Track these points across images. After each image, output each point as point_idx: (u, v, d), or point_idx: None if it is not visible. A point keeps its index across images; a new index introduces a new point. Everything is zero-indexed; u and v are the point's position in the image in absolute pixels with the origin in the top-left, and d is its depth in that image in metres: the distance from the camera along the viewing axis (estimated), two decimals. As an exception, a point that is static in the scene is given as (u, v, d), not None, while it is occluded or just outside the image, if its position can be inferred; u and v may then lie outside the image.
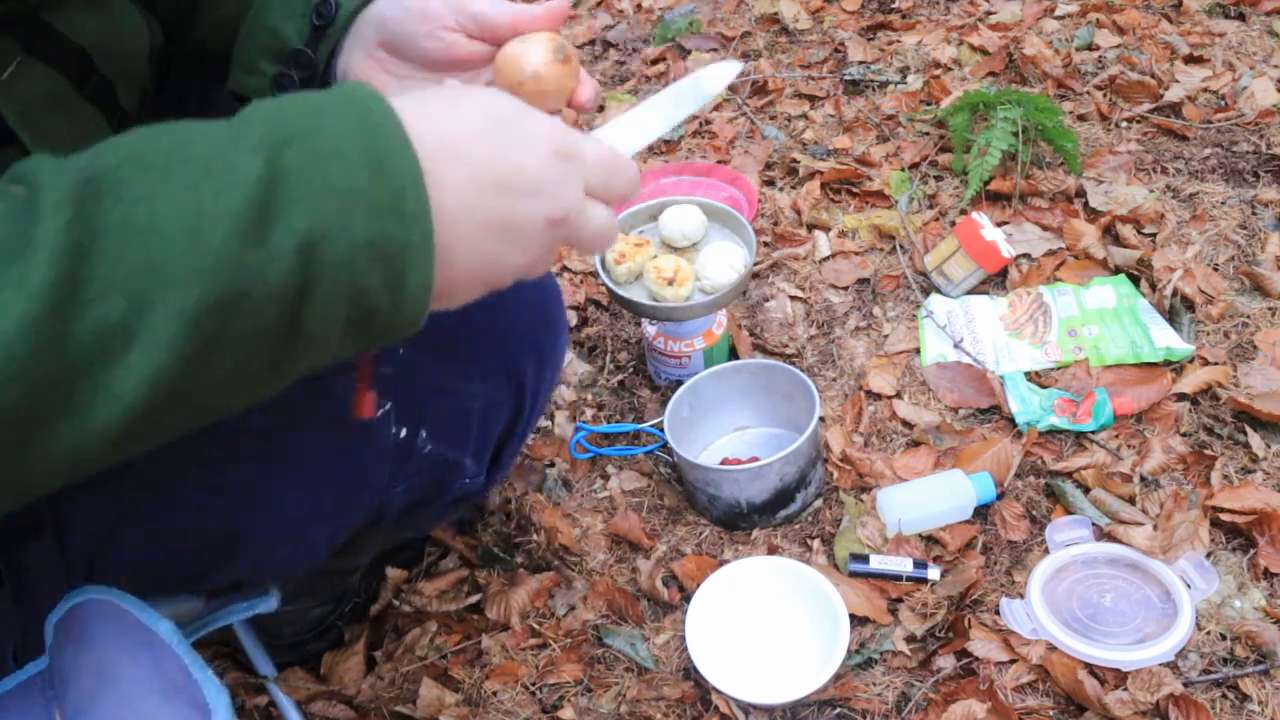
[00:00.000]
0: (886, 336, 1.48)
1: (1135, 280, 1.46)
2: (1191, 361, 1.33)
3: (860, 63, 2.05)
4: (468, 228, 0.50)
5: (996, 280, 1.53)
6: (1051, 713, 1.03)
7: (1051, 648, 1.07)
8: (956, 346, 1.42)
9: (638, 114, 0.63)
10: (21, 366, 0.39)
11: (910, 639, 1.12)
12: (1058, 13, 2.07)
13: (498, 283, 0.53)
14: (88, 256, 0.40)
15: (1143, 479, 1.22)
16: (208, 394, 0.45)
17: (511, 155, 0.51)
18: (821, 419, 1.31)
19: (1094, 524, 1.18)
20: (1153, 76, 1.82)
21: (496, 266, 0.52)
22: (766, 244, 1.67)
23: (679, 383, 1.35)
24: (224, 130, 0.45)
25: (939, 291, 1.53)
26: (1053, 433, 1.30)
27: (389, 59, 0.69)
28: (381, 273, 0.46)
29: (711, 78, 0.65)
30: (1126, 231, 1.54)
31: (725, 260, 1.26)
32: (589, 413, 1.45)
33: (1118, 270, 1.49)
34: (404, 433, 0.77)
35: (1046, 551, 1.17)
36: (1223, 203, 1.57)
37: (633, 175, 0.57)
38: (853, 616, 1.12)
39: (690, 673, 1.12)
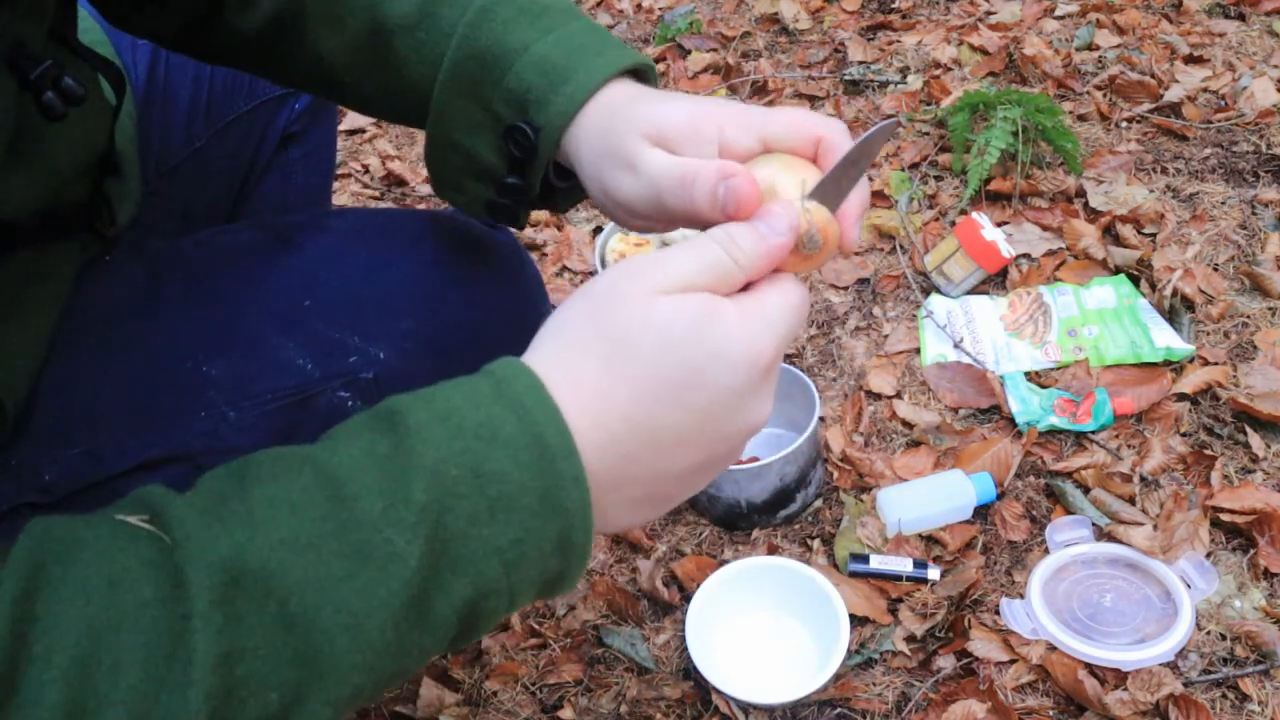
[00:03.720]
0: (886, 336, 1.48)
1: (1135, 280, 1.46)
2: (1191, 361, 1.33)
3: (860, 63, 2.05)
4: (646, 514, 0.47)
5: (996, 280, 1.53)
6: (1051, 713, 1.03)
7: (1051, 648, 1.06)
8: (956, 346, 1.42)
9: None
10: None
11: (910, 639, 1.12)
12: (1058, 13, 2.07)
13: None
14: (241, 659, 0.38)
15: (1143, 479, 1.22)
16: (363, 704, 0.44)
17: (707, 450, 0.46)
18: (821, 419, 1.31)
19: (1094, 524, 1.18)
20: (1153, 76, 1.83)
21: (660, 511, 0.49)
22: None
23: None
24: (379, 489, 0.41)
25: (939, 291, 1.53)
26: (1053, 433, 1.30)
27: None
28: (537, 592, 0.45)
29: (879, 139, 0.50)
30: (1126, 231, 1.54)
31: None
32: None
33: (1118, 270, 1.49)
34: None
35: (1046, 551, 1.17)
36: (1223, 203, 1.57)
37: (804, 305, 0.48)
38: (853, 616, 1.12)
39: (690, 673, 1.12)
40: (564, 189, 0.64)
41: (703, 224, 0.54)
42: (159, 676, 0.37)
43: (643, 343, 0.44)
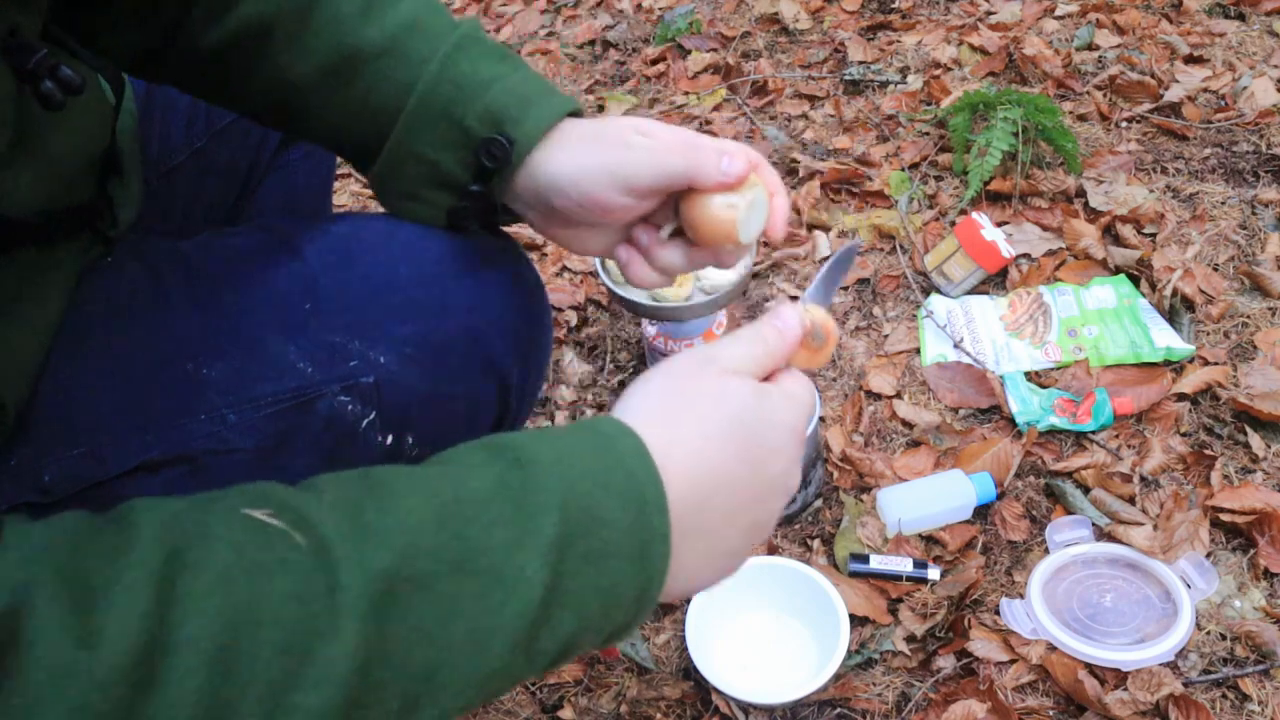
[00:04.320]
0: (886, 336, 1.48)
1: (1135, 280, 1.46)
2: (1191, 361, 1.33)
3: (860, 63, 2.05)
4: (704, 574, 0.53)
5: (996, 280, 1.53)
6: (1051, 713, 1.03)
7: (1051, 648, 1.07)
8: (956, 346, 1.42)
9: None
10: None
11: (910, 639, 1.12)
12: (1058, 13, 2.07)
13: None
14: (378, 667, 0.40)
15: (1143, 479, 1.22)
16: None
17: (757, 510, 0.54)
18: (821, 419, 1.31)
19: (1094, 524, 1.18)
20: (1153, 76, 1.83)
21: (729, 569, 0.55)
22: (766, 244, 1.67)
23: (679, 383, 1.35)
24: (514, 519, 0.45)
25: (939, 291, 1.53)
26: (1053, 433, 1.30)
27: (567, 222, 0.70)
28: (606, 639, 0.50)
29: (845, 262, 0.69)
30: (1126, 231, 1.54)
31: (725, 260, 1.26)
32: (589, 413, 1.45)
33: (1118, 270, 1.49)
34: (390, 439, 0.76)
35: (1046, 551, 1.17)
36: (1223, 203, 1.57)
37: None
38: (853, 616, 1.12)
39: (690, 673, 1.12)
40: (505, 216, 0.73)
41: (679, 189, 0.65)
42: (295, 673, 0.37)
43: (723, 412, 0.53)
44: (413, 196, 0.71)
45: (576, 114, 0.69)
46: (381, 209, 0.76)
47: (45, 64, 0.57)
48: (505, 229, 0.78)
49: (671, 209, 0.69)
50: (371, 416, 0.71)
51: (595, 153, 0.65)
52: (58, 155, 0.64)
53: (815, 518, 1.27)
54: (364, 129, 0.70)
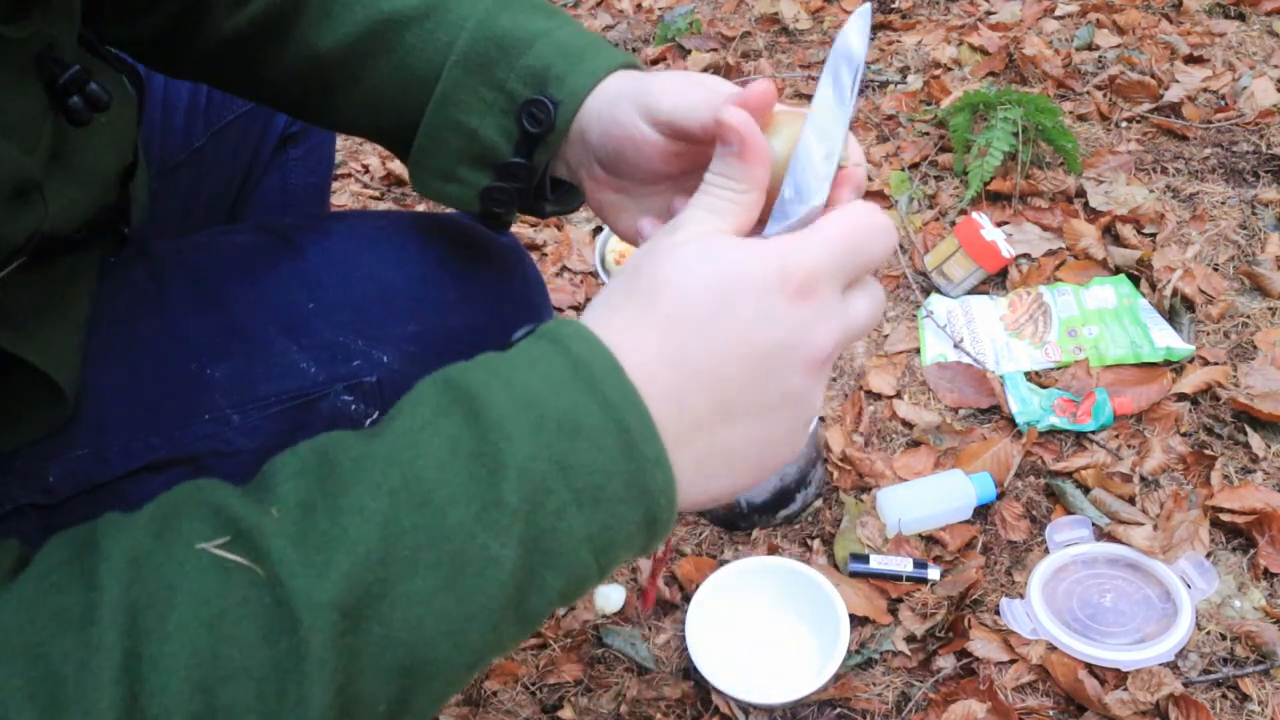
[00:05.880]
0: (886, 336, 1.48)
1: (1135, 280, 1.46)
2: (1191, 361, 1.34)
3: (860, 62, 2.05)
4: (709, 488, 0.46)
5: (996, 280, 1.53)
6: (1051, 713, 1.03)
7: (1051, 648, 1.07)
8: (956, 346, 1.43)
9: (814, 125, 0.49)
10: None
11: (910, 639, 1.12)
12: (1058, 13, 2.07)
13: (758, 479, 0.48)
14: (353, 682, 0.39)
15: (1143, 479, 1.22)
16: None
17: (762, 414, 0.45)
18: (821, 419, 1.31)
19: (1094, 524, 1.18)
20: (1153, 76, 1.83)
21: (754, 476, 0.48)
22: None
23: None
24: (469, 493, 0.41)
25: (939, 291, 1.53)
26: (1053, 433, 1.30)
27: (613, 179, 0.61)
28: (622, 563, 0.46)
29: (854, 33, 0.50)
30: (1126, 231, 1.54)
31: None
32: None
33: (1118, 270, 1.49)
34: None
35: (1046, 551, 1.17)
36: (1223, 203, 1.57)
37: (878, 227, 0.46)
38: (853, 616, 1.12)
39: (690, 673, 1.12)
40: (551, 199, 0.67)
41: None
42: (275, 715, 0.37)
43: (672, 284, 0.44)
44: (449, 176, 0.64)
45: (632, 69, 0.61)
46: (381, 207, 0.74)
47: (76, 80, 0.56)
48: (509, 230, 0.76)
49: None
50: (375, 416, 0.71)
51: (617, 104, 0.58)
52: (94, 167, 0.63)
53: (815, 518, 1.27)
54: (401, 101, 0.65)
